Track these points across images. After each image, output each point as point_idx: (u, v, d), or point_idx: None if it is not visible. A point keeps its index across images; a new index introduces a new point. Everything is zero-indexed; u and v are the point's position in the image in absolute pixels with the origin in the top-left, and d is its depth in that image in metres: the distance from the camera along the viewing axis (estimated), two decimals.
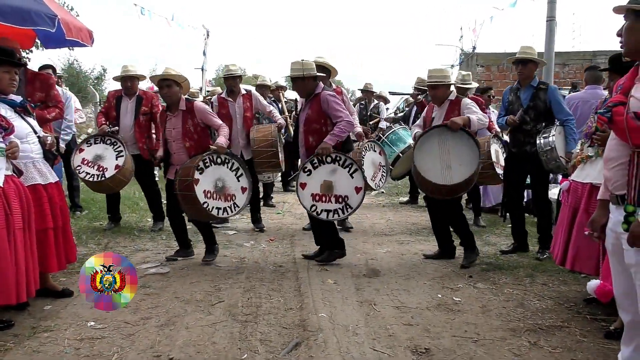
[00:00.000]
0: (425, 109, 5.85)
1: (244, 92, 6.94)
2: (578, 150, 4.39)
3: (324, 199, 5.30)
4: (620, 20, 2.61)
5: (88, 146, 6.50)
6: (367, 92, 10.41)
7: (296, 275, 5.13)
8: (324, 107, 5.32)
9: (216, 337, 3.65)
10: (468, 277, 5.06)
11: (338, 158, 5.32)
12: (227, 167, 5.36)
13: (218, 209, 5.26)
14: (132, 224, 7.39)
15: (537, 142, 5.41)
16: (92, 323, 3.85)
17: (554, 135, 5.29)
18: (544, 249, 5.64)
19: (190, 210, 5.34)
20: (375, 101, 10.46)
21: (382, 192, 10.75)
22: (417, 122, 5.97)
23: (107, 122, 6.73)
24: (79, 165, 6.38)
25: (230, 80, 6.91)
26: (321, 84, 5.51)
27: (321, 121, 5.36)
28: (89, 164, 6.42)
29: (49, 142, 4.15)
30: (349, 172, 5.33)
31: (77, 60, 27.37)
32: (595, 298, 3.74)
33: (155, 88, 6.62)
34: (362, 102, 10.55)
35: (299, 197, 5.34)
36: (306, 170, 5.30)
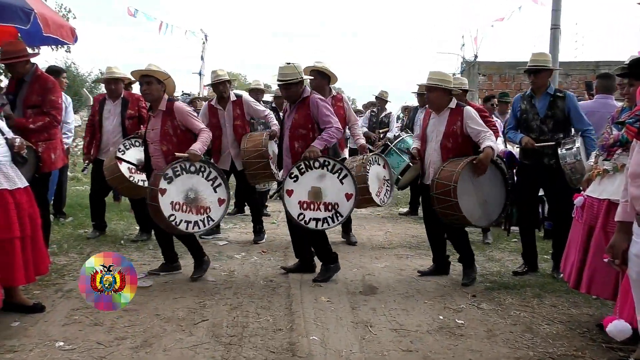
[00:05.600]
0: (423, 114, 5.47)
1: (234, 97, 6.59)
2: (592, 163, 4.08)
3: (312, 206, 4.94)
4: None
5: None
6: (380, 100, 10.23)
7: (288, 292, 4.80)
8: (313, 111, 5.00)
9: None
10: (471, 297, 4.74)
11: (327, 163, 4.99)
12: (202, 176, 4.90)
13: (187, 222, 4.78)
14: (119, 232, 7.06)
15: (559, 153, 5.05)
16: (61, 343, 3.52)
17: (578, 146, 4.96)
18: (559, 268, 5.33)
19: (160, 222, 4.93)
20: (387, 110, 10.22)
21: None
22: (417, 132, 5.60)
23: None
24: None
25: (220, 86, 6.50)
26: (308, 88, 5.20)
27: (308, 126, 5.03)
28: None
29: (17, 144, 3.83)
30: (338, 177, 5.00)
31: (74, 63, 27.13)
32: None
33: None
34: (374, 109, 10.34)
35: (285, 205, 4.95)
36: (292, 176, 4.93)
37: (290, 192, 4.93)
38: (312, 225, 4.96)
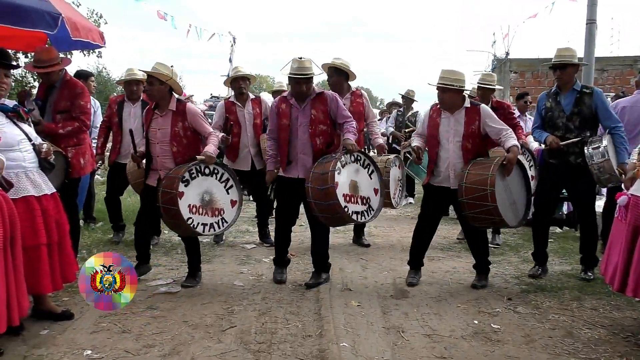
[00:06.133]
0: (429, 111, 5.10)
1: (252, 96, 6.52)
2: (635, 161, 3.88)
3: (352, 199, 4.83)
4: None
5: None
6: (407, 99, 10.07)
7: (317, 296, 4.70)
8: (331, 107, 4.90)
9: None
10: (507, 300, 4.58)
11: (359, 157, 4.90)
12: (216, 179, 4.85)
13: (204, 225, 4.73)
14: None
15: (586, 152, 4.86)
16: (89, 352, 3.48)
17: (605, 145, 4.75)
18: (588, 269, 5.13)
19: (173, 226, 4.88)
20: (414, 109, 10.03)
21: (411, 203, 10.26)
22: (417, 129, 5.37)
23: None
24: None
25: (240, 81, 6.39)
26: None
27: (327, 122, 4.91)
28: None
29: (44, 150, 3.81)
30: (368, 172, 4.93)
31: (105, 68, 27.54)
32: None
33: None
34: (400, 108, 10.20)
35: (336, 197, 4.64)
36: (337, 168, 4.74)
37: (336, 185, 4.69)
38: (354, 217, 4.83)
